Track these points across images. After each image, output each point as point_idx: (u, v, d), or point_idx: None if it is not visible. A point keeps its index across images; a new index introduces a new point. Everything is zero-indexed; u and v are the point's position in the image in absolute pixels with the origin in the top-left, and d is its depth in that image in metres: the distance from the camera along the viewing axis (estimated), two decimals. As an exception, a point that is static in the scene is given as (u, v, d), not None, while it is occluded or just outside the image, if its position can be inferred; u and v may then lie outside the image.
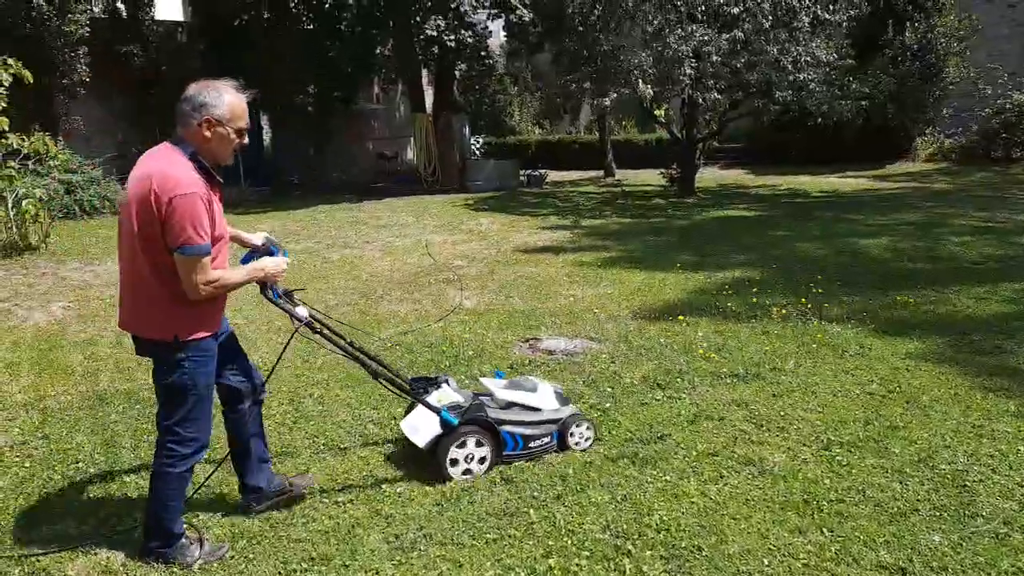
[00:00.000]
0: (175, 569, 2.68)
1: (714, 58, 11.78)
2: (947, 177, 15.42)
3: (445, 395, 3.41)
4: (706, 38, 11.75)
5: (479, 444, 3.29)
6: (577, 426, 3.54)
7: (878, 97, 14.23)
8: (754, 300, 6.21)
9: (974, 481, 3.13)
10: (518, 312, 6.19)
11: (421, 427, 3.34)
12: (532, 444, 3.43)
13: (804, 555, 2.67)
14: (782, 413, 3.92)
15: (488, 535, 2.86)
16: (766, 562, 2.64)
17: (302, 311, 2.94)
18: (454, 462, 3.25)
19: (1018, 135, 15.92)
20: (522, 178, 17.98)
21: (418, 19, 13.54)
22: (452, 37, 13.75)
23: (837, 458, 3.40)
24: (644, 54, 12.34)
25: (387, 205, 14.11)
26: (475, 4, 14.31)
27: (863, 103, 13.45)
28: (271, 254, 2.94)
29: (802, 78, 12.03)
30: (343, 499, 3.16)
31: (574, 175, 20.47)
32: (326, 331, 3.08)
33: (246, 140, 2.68)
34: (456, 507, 3.07)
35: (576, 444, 3.53)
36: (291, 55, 15.11)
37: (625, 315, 6.01)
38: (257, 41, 15.12)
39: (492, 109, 24.63)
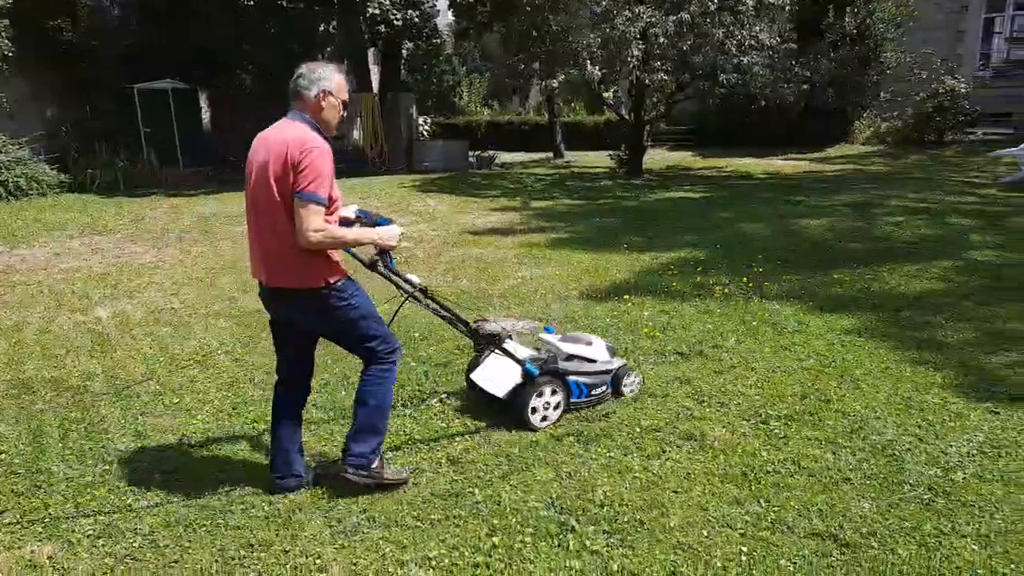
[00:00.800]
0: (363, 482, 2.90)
1: (661, 40, 11.86)
2: (884, 159, 15.92)
3: (517, 350, 3.59)
4: (653, 20, 11.81)
5: (553, 392, 3.54)
6: (628, 376, 3.89)
7: (819, 81, 14.56)
8: (698, 280, 6.31)
9: (902, 450, 3.26)
10: (466, 293, 6.16)
11: (498, 378, 3.60)
12: (594, 392, 3.74)
13: (741, 525, 2.73)
14: (723, 389, 4.00)
15: (433, 516, 2.84)
16: (705, 533, 2.69)
17: (415, 278, 3.17)
18: (534, 410, 3.49)
19: (949, 119, 16.51)
20: (471, 159, 17.87)
21: (363, -3, 13.25)
22: (398, 16, 13.48)
23: (774, 431, 3.49)
24: (592, 35, 12.34)
25: (333, 186, 13.85)
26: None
27: (804, 86, 13.74)
28: (375, 225, 3.03)
29: (746, 61, 12.21)
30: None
31: (523, 156, 20.44)
32: (433, 303, 3.33)
33: (345, 113, 2.99)
34: (401, 489, 3.05)
35: (629, 391, 3.88)
36: (231, 31, 14.61)
37: (573, 295, 6.04)
38: (195, 16, 14.56)
39: (440, 89, 24.36)
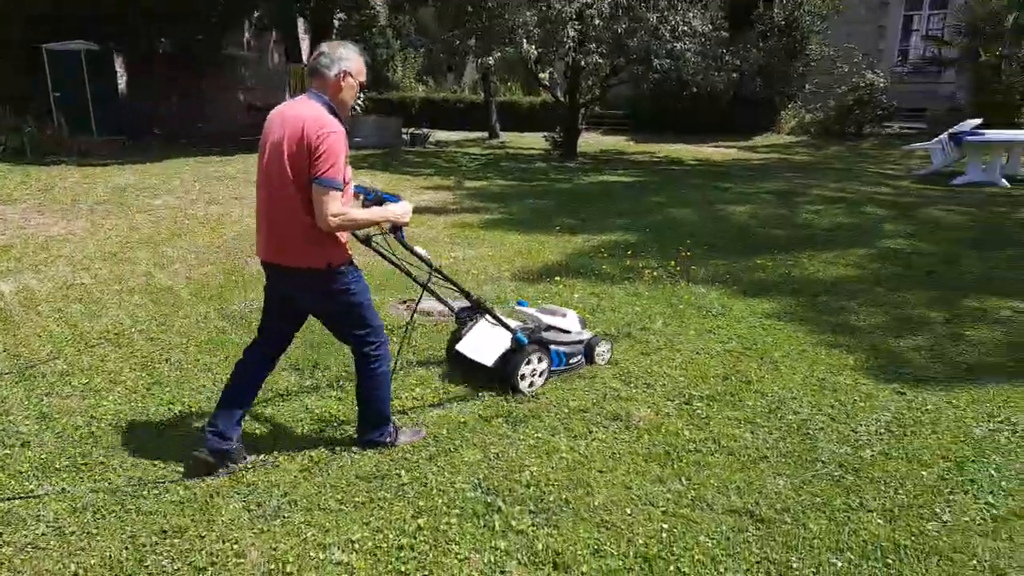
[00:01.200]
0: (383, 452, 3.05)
1: (596, 22, 11.88)
2: (807, 149, 16.49)
3: (509, 320, 3.78)
4: (589, 1, 11.81)
5: (539, 360, 3.75)
6: (600, 345, 4.09)
7: (747, 70, 14.92)
8: (628, 263, 6.40)
9: (816, 429, 3.39)
10: (395, 273, 6.03)
11: (484, 349, 3.73)
12: (571, 361, 3.96)
13: (663, 503, 2.79)
14: (649, 370, 4.07)
15: (357, 499, 2.79)
16: (628, 511, 2.74)
17: (424, 251, 3.32)
18: (523, 376, 3.68)
19: (868, 112, 17.22)
20: (404, 136, 17.57)
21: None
22: (329, -17, 13.05)
23: (697, 411, 3.57)
24: (529, 13, 12.26)
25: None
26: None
27: (734, 75, 14.05)
28: (381, 202, 3.06)
29: (679, 47, 12.38)
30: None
31: (458, 135, 20.24)
32: (441, 275, 3.51)
33: (361, 95, 3.04)
34: (324, 472, 2.98)
35: (600, 359, 4.09)
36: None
37: (505, 276, 6.03)
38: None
39: (374, 63, 23.79)
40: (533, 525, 2.65)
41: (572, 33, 11.85)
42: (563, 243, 7.28)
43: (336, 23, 16.81)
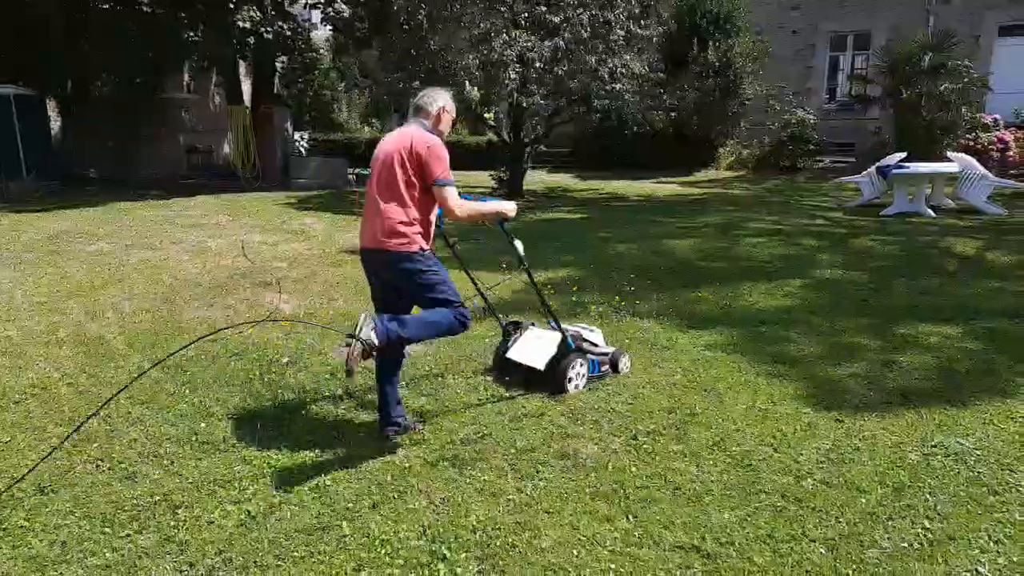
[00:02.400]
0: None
1: (537, 64, 12.14)
2: (744, 184, 17.03)
3: (542, 332, 4.42)
4: (529, 44, 12.08)
5: (581, 365, 4.23)
6: (622, 357, 4.57)
7: (685, 109, 15.42)
8: (574, 299, 6.44)
9: (759, 460, 3.43)
10: (341, 315, 5.97)
11: (534, 355, 4.24)
12: (603, 369, 4.43)
13: (610, 542, 2.77)
14: (596, 407, 4.08)
15: (295, 553, 2.69)
16: (575, 552, 2.71)
17: (519, 244, 3.94)
18: (569, 379, 4.17)
19: (800, 147, 17.94)
20: (351, 176, 17.50)
21: (231, 6, 12.60)
22: (269, 29, 12.99)
23: (643, 446, 3.58)
24: (471, 56, 12.44)
25: (200, 203, 13.11)
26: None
27: (672, 114, 14.49)
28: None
29: (618, 88, 12.72)
30: (131, 529, 2.84)
31: (405, 175, 20.24)
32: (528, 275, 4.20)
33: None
34: (263, 526, 2.88)
35: (624, 368, 4.54)
36: (85, 36, 13.57)
37: (450, 316, 5.99)
38: (44, 19, 13.42)
39: (319, 104, 23.77)
40: (479, 572, 2.59)
41: (513, 76, 12.07)
42: (510, 280, 7.28)
43: (278, 66, 16.76)
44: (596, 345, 4.54)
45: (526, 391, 4.23)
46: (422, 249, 3.40)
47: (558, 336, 4.25)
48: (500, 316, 4.57)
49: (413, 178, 3.33)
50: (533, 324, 4.55)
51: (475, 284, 4.41)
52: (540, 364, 4.19)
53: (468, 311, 3.53)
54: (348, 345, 3.16)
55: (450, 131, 3.66)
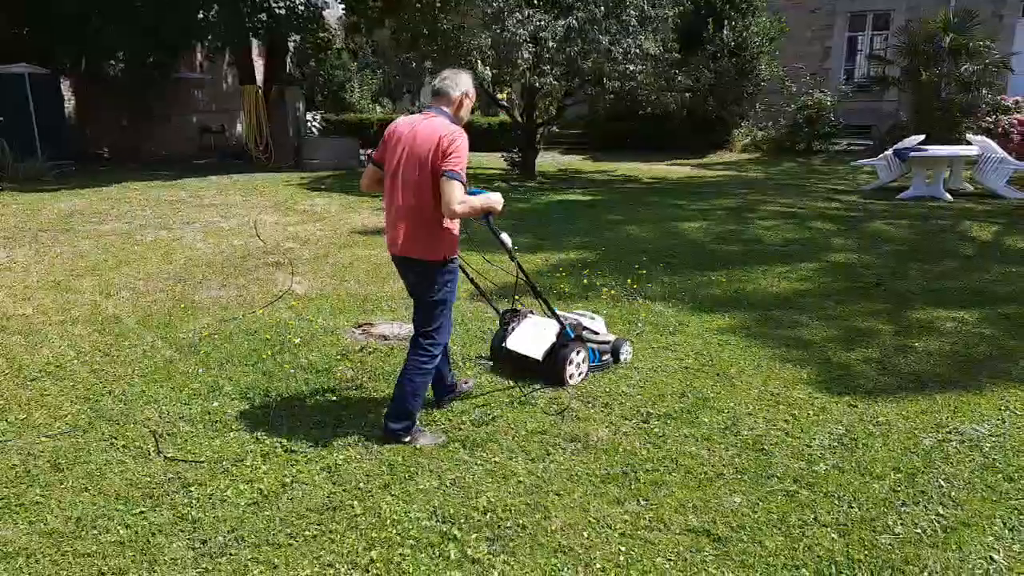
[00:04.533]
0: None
1: (550, 44, 12.00)
2: (758, 167, 16.85)
3: (540, 320, 4.25)
4: (542, 23, 11.94)
5: (578, 353, 4.08)
6: (624, 346, 4.44)
7: (700, 90, 15.21)
8: (586, 282, 6.41)
9: (771, 444, 3.41)
10: (353, 296, 5.98)
11: (532, 344, 4.08)
12: (604, 359, 4.31)
13: (621, 525, 2.77)
14: (607, 390, 4.06)
15: (307, 532, 2.71)
16: (586, 535, 2.71)
17: (507, 238, 3.69)
18: (568, 370, 4.02)
19: (817, 129, 17.69)
20: (363, 157, 17.45)
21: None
22: (281, 5, 12.90)
23: (654, 430, 3.57)
24: (484, 35, 12.32)
25: (212, 183, 13.13)
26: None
27: (687, 95, 14.30)
28: (472, 194, 3.34)
29: (631, 69, 12.57)
30: (144, 507, 2.87)
31: (417, 156, 20.18)
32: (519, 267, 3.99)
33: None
34: (274, 505, 2.90)
35: (624, 357, 4.41)
36: (99, 15, 13.54)
37: (463, 297, 5.97)
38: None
39: (331, 85, 23.67)
40: (489, 553, 2.60)
41: (527, 55, 11.94)
42: (522, 262, 7.24)
43: (291, 46, 16.68)
44: (596, 333, 4.40)
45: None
46: (447, 257, 3.33)
47: (557, 325, 4.12)
48: (537, 288, 4.23)
49: (436, 176, 3.17)
50: (531, 312, 4.40)
51: (466, 274, 4.02)
52: (538, 354, 4.03)
53: (447, 338, 3.52)
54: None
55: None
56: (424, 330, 3.41)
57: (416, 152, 3.18)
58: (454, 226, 3.33)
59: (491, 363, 4.39)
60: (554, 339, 4.06)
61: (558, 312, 4.19)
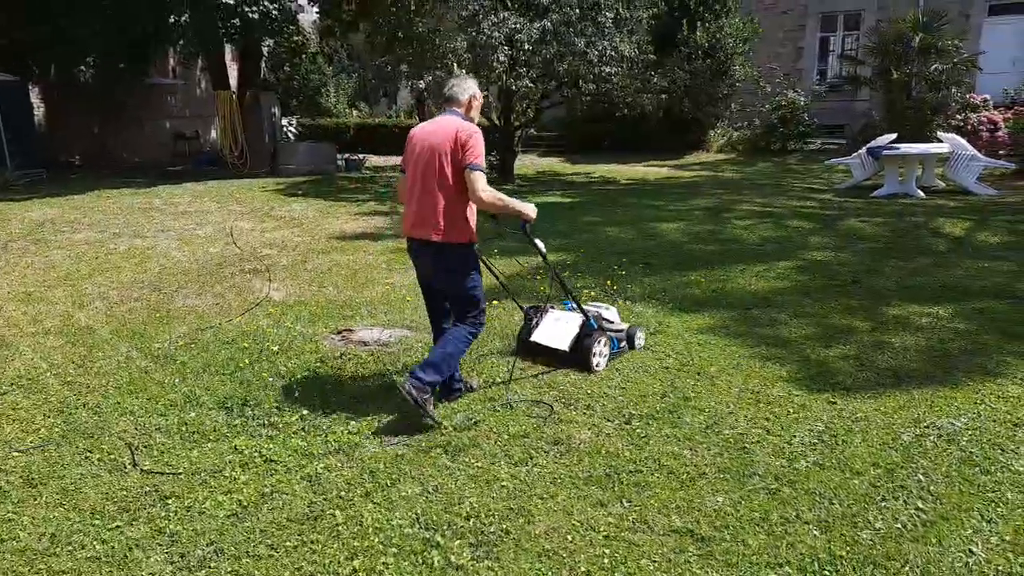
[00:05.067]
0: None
1: (526, 46, 12.03)
2: (735, 167, 17.00)
3: (561, 314, 4.54)
4: (518, 26, 11.95)
5: (604, 344, 4.37)
6: (637, 332, 4.75)
7: (675, 91, 15.32)
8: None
9: (752, 443, 3.43)
10: (331, 302, 5.93)
11: (557, 336, 4.38)
12: (621, 345, 4.59)
13: (604, 527, 2.77)
14: (589, 392, 4.06)
15: (288, 543, 2.67)
16: (570, 538, 2.70)
17: (540, 243, 4.02)
18: (594, 355, 4.29)
19: (791, 129, 17.90)
20: (339, 162, 17.36)
21: (217, -14, 12.39)
22: (254, 9, 12.77)
23: (636, 431, 3.57)
24: (460, 38, 12.31)
25: (187, 190, 12.98)
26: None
27: (663, 96, 14.40)
28: None
29: (607, 71, 12.63)
30: (120, 521, 2.81)
31: (395, 159, 20.10)
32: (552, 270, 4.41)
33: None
34: (254, 516, 2.85)
35: (638, 344, 4.72)
36: (68, 20, 13.33)
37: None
38: (27, 4, 13.17)
39: (306, 89, 23.50)
40: (473, 559, 2.58)
41: (503, 58, 11.95)
42: (502, 265, 7.22)
43: (265, 50, 16.52)
44: (612, 322, 4.67)
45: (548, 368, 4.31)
46: (465, 241, 3.61)
47: (579, 317, 4.42)
48: (569, 289, 4.60)
49: (454, 167, 3.49)
50: (552, 306, 4.65)
51: (494, 273, 4.40)
52: (564, 345, 4.34)
53: (485, 316, 3.83)
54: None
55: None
56: (467, 314, 3.72)
57: (434, 145, 3.52)
58: (472, 215, 3.62)
59: (522, 356, 4.55)
60: (577, 330, 4.36)
61: (574, 308, 4.52)
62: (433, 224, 3.53)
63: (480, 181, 3.44)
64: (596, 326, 4.39)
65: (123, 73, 15.27)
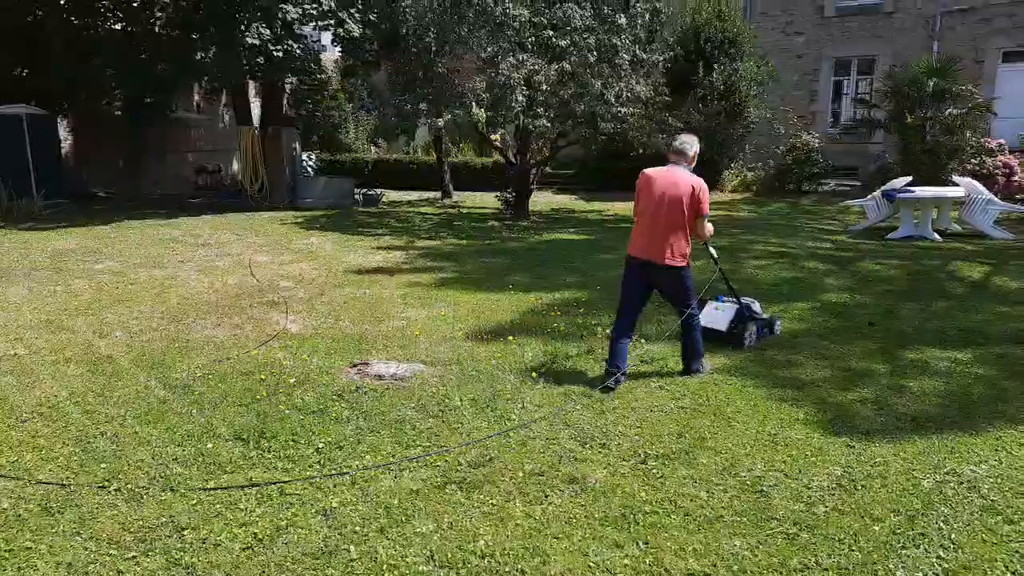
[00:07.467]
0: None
1: (544, 87, 12.22)
2: (749, 207, 17.04)
3: (719, 304, 5.85)
4: (536, 67, 12.17)
5: (751, 326, 5.66)
6: (776, 322, 6.01)
7: (690, 132, 15.45)
8: (580, 321, 6.43)
9: (770, 486, 3.40)
10: (348, 336, 5.97)
11: (716, 319, 5.68)
12: (763, 331, 5.80)
13: (620, 569, 2.74)
14: (604, 430, 4.05)
15: (303, 577, 2.67)
16: (586, 580, 2.67)
17: (714, 250, 5.54)
18: (747, 336, 5.58)
19: (806, 170, 17.98)
20: (357, 197, 17.58)
21: (242, 27, 12.72)
22: (279, 48, 13.10)
23: (652, 471, 3.55)
24: (478, 79, 12.54)
25: (207, 222, 13.17)
26: (302, 14, 13.58)
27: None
28: None
29: (623, 112, 12.80)
30: (136, 551, 2.82)
31: (412, 195, 20.33)
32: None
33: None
34: (269, 550, 2.85)
35: (776, 331, 5.96)
36: (96, 56, 13.73)
37: (459, 337, 5.99)
38: (53, 38, 13.58)
39: (327, 125, 23.90)
40: (488, 599, 2.56)
41: (520, 98, 12.15)
42: (517, 301, 7.29)
43: (287, 87, 16.89)
44: (758, 313, 5.87)
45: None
46: (686, 264, 4.79)
47: (733, 307, 5.70)
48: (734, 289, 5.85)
49: (690, 212, 4.63)
50: (710, 299, 5.83)
51: (723, 275, 5.70)
52: (723, 326, 5.65)
53: (697, 309, 4.97)
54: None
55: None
56: (688, 306, 4.86)
57: (676, 193, 4.65)
58: (689, 245, 4.77)
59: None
60: (732, 316, 5.65)
61: (740, 298, 5.75)
62: (669, 251, 4.67)
63: (707, 226, 4.77)
64: (747, 314, 5.64)
65: (149, 107, 15.64)
